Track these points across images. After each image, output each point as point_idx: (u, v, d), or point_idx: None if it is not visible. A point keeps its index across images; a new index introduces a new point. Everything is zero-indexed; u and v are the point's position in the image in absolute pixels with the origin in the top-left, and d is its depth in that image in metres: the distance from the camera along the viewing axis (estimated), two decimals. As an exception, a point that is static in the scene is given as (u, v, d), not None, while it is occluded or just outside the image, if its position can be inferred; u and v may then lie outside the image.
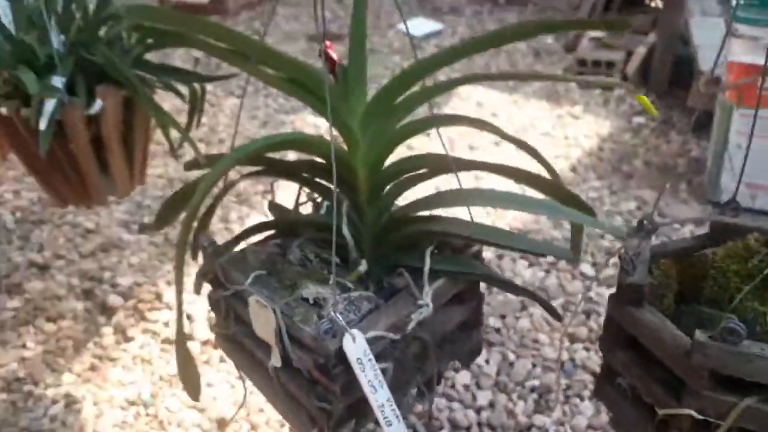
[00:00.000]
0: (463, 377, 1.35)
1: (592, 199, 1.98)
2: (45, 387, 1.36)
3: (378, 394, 0.70)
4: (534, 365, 1.39)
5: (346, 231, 0.78)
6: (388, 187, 0.81)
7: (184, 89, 1.21)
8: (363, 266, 0.79)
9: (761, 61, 1.78)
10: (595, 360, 1.39)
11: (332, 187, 0.68)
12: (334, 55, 0.69)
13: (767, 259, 0.66)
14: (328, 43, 0.64)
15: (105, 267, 1.69)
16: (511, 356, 1.41)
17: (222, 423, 1.27)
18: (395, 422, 0.72)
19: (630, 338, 0.68)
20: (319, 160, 0.79)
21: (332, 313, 0.69)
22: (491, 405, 1.29)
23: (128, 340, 1.47)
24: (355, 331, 0.68)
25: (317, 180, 0.84)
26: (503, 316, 1.52)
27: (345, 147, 0.76)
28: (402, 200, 0.85)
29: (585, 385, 1.33)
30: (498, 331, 1.49)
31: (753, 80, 1.69)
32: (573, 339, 1.45)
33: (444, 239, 0.82)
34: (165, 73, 1.15)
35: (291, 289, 0.79)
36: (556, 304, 1.54)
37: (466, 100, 2.60)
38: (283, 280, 0.81)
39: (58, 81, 1.02)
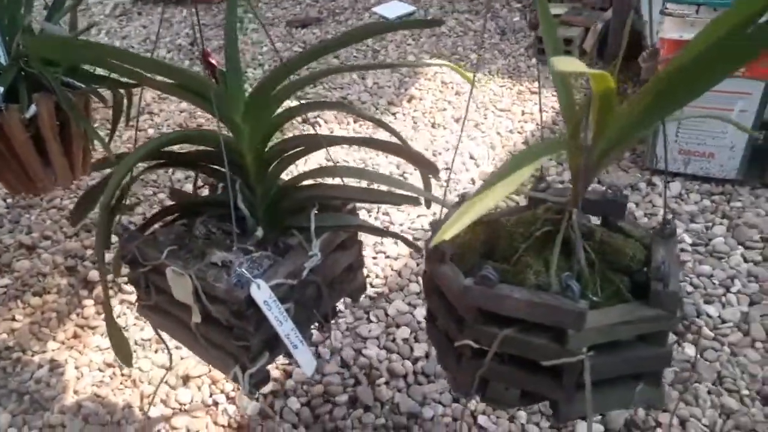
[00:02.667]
0: (403, 332, 1.50)
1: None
2: (32, 354, 1.52)
3: (283, 326, 0.88)
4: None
5: (241, 205, 0.93)
6: (273, 165, 0.96)
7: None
8: (259, 232, 0.95)
9: (687, 37, 1.90)
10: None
11: (225, 171, 0.83)
12: (214, 61, 0.82)
13: (544, 225, 0.79)
14: (207, 51, 0.78)
15: (87, 246, 1.84)
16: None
17: (186, 378, 1.43)
18: (300, 346, 0.91)
19: (438, 287, 0.82)
20: (211, 149, 0.93)
21: (238, 269, 0.84)
22: (426, 356, 1.44)
23: (107, 310, 1.63)
24: (259, 280, 0.84)
25: (212, 166, 0.98)
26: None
27: (232, 136, 0.90)
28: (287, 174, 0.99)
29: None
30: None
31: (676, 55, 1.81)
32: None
33: (324, 202, 0.98)
34: (92, 80, 1.31)
35: (201, 257, 0.93)
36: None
37: (432, 80, 2.73)
38: (193, 251, 0.95)
39: None
